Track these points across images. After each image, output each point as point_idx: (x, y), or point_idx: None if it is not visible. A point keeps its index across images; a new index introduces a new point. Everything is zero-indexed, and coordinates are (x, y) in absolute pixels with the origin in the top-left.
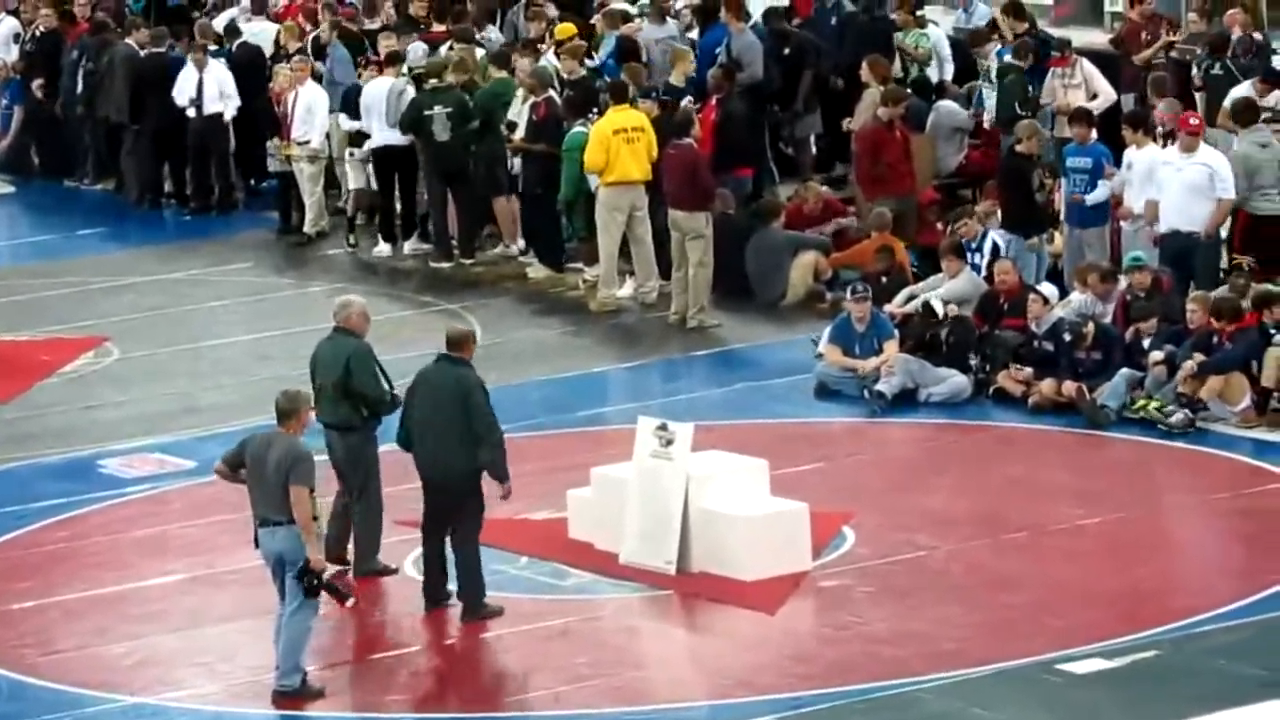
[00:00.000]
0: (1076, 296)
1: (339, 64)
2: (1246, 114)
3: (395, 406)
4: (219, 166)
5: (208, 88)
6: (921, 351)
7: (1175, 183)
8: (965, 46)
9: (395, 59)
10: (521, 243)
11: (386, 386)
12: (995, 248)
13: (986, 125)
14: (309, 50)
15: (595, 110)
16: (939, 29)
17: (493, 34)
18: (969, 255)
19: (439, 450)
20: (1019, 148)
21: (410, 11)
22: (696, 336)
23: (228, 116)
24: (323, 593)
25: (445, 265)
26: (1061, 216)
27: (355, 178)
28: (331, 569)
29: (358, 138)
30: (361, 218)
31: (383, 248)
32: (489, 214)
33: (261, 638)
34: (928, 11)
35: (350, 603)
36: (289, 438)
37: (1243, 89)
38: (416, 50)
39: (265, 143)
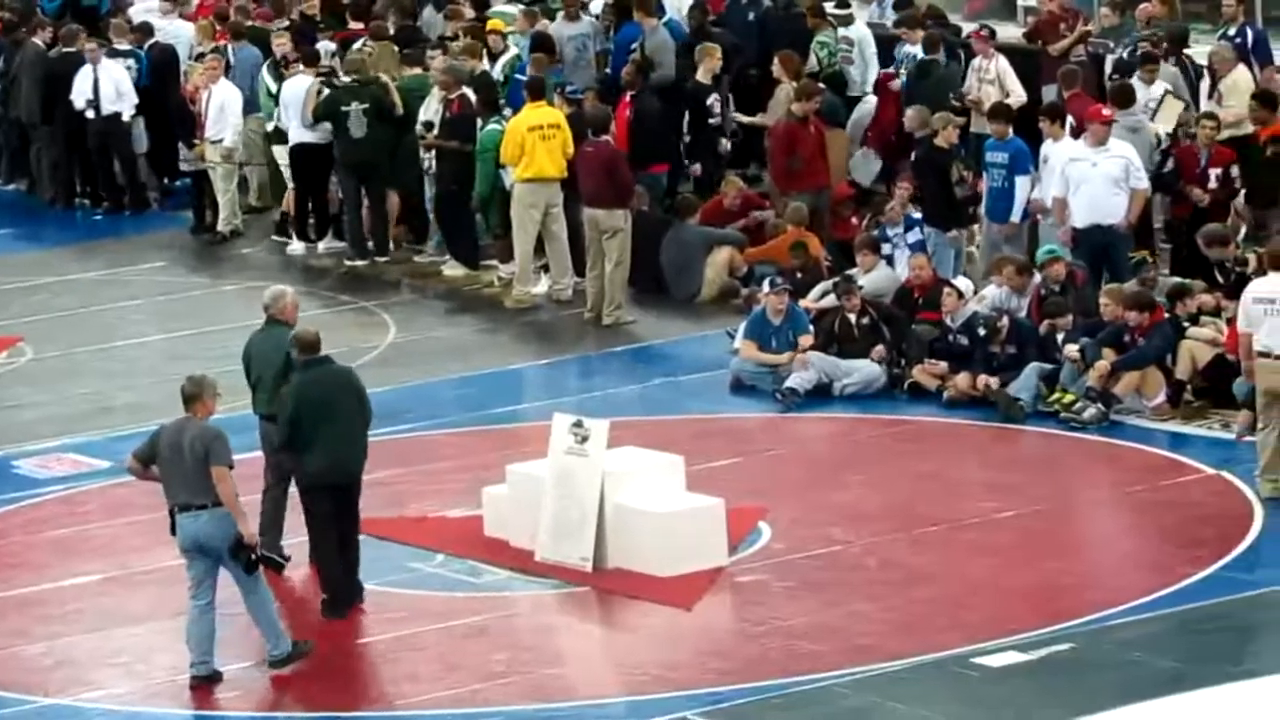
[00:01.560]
0: (991, 290)
1: (240, 65)
2: (1122, 97)
3: None
4: (124, 166)
5: (104, 87)
6: (836, 345)
7: (1093, 177)
8: (886, 42)
9: (314, 58)
10: (433, 243)
11: None
12: (917, 240)
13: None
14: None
15: (508, 109)
16: (863, 28)
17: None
18: (892, 247)
19: (341, 452)
20: (936, 140)
21: (305, 10)
22: (612, 333)
23: (125, 116)
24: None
25: (360, 264)
26: (982, 210)
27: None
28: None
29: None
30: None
31: (297, 246)
32: (401, 212)
33: (180, 637)
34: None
35: (285, 571)
36: (199, 422)
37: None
38: (326, 49)
39: (179, 142)
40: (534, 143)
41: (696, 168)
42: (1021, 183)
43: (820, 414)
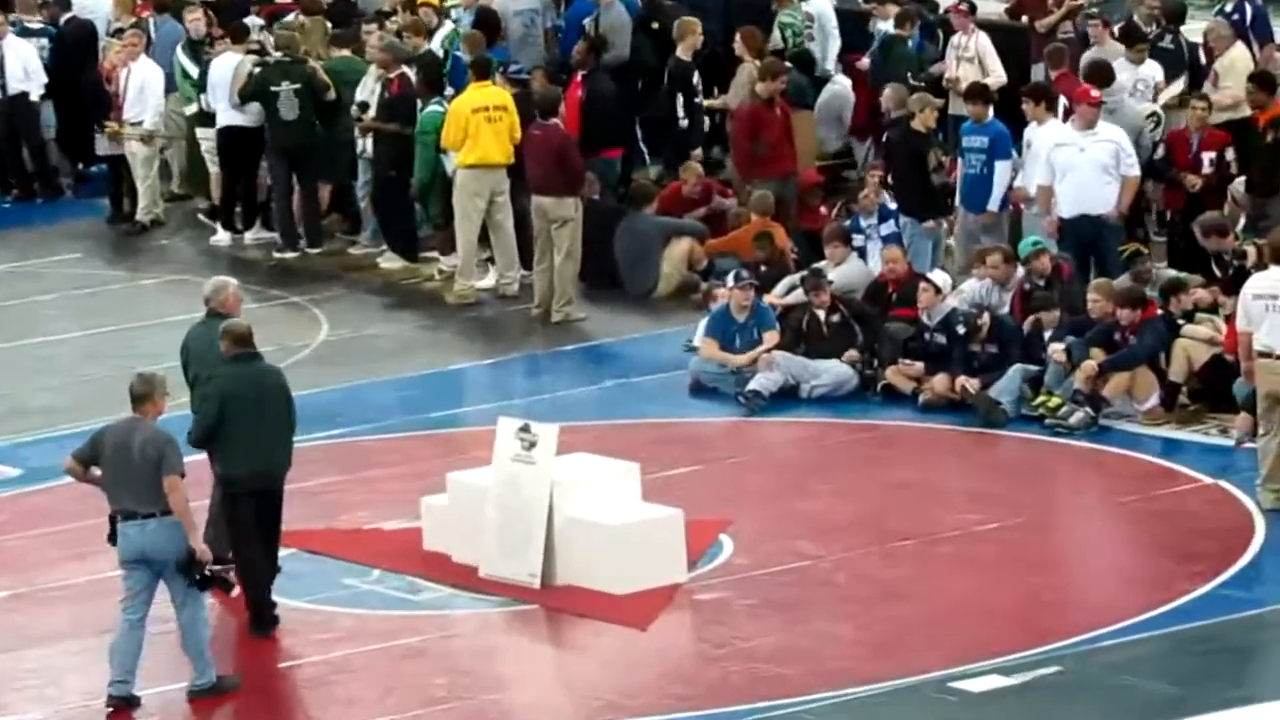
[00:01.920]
0: (971, 285)
1: (163, 41)
2: (1099, 75)
3: None
4: (33, 150)
5: (10, 66)
6: (803, 345)
7: (1081, 163)
8: (854, 18)
9: (241, 33)
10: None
11: None
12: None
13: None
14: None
15: (451, 89)
16: (823, 3)
17: None
18: (865, 240)
19: (263, 455)
20: (913, 123)
21: None
22: (562, 331)
23: (34, 95)
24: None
25: (291, 255)
26: (957, 199)
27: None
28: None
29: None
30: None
31: (223, 236)
32: (331, 200)
33: (96, 659)
34: None
35: (235, 592)
36: (150, 424)
37: (1094, 53)
38: (255, 24)
39: (94, 124)
40: (479, 125)
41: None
42: (1001, 169)
43: (786, 418)
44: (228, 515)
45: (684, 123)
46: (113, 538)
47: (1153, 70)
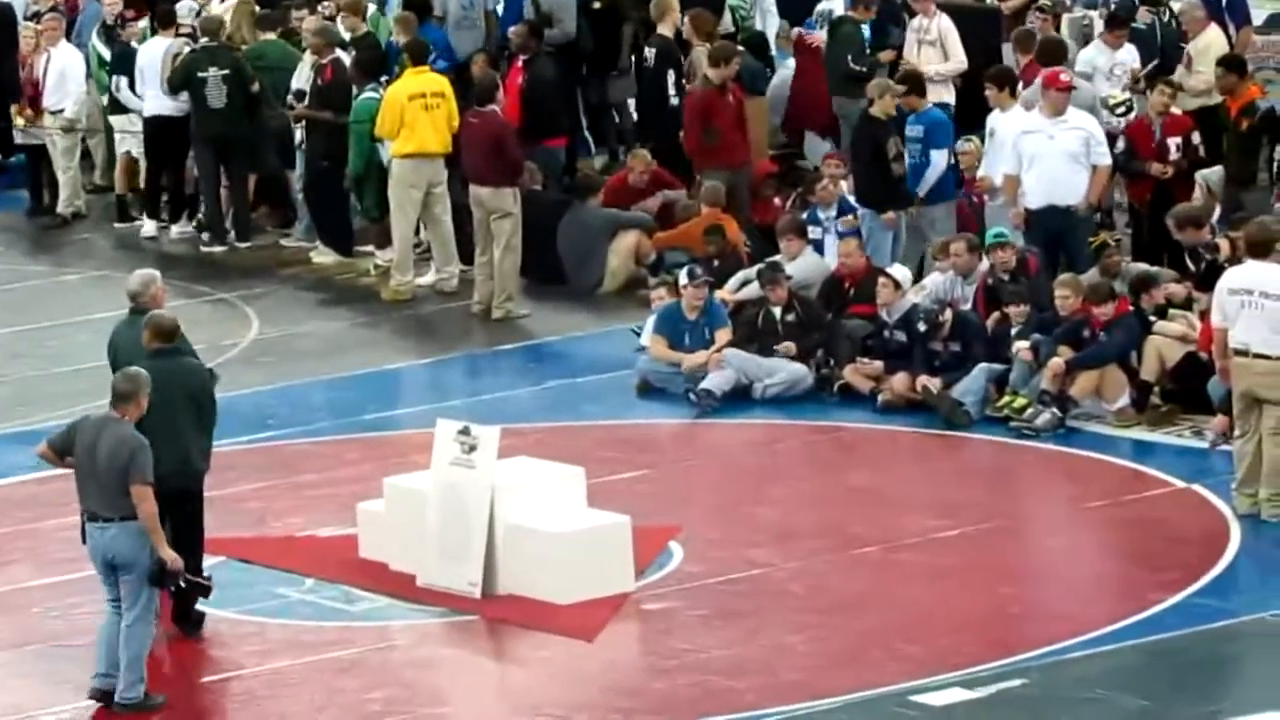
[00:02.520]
0: (934, 279)
1: (85, 25)
2: (1050, 53)
3: (215, 381)
4: None
5: None
6: (756, 343)
7: (1049, 152)
8: None
9: (169, 17)
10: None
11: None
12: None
13: None
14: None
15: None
16: None
17: None
18: (823, 232)
19: (183, 453)
20: (872, 110)
21: None
22: (503, 328)
23: None
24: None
25: (219, 250)
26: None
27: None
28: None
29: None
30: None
31: (149, 228)
32: (262, 192)
33: (17, 673)
34: None
35: (211, 595)
36: (122, 425)
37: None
38: (183, 7)
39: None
40: (415, 113)
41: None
42: (937, 158)
43: (739, 419)
44: None
45: (675, 100)
46: (84, 536)
47: (1130, 55)
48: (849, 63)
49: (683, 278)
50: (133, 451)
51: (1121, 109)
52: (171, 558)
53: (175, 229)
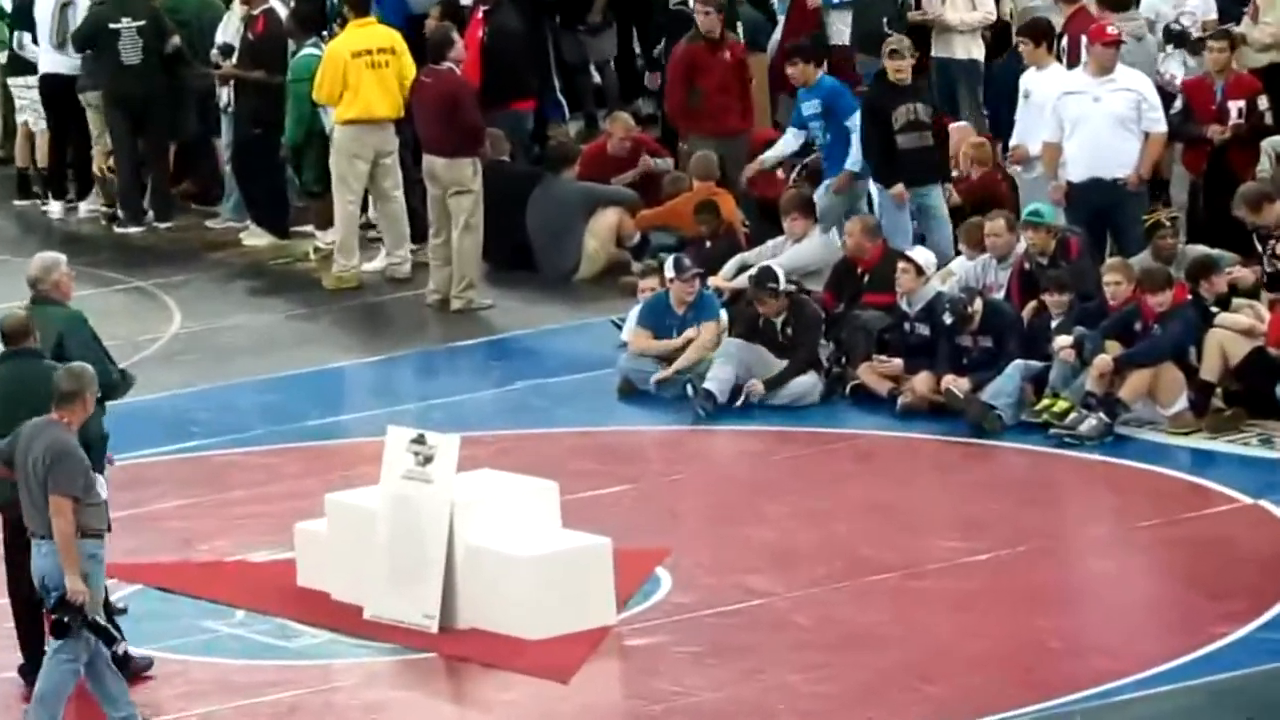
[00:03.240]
0: (962, 264)
1: None
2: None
3: (128, 387)
4: None
5: None
6: (755, 342)
7: (1094, 116)
8: None
9: None
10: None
11: (111, 363)
12: (869, 201)
13: None
14: None
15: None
16: None
17: None
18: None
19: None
20: (892, 76)
21: None
22: (463, 321)
23: None
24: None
25: (134, 230)
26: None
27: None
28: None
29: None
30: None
31: (54, 207)
32: (184, 164)
33: None
34: None
35: (122, 647)
36: (56, 429)
37: None
38: None
39: None
40: (359, 73)
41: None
42: (853, 126)
43: (736, 426)
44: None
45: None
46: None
47: (1201, 2)
48: (884, 25)
49: (669, 270)
50: (56, 456)
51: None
52: (77, 589)
53: (83, 206)
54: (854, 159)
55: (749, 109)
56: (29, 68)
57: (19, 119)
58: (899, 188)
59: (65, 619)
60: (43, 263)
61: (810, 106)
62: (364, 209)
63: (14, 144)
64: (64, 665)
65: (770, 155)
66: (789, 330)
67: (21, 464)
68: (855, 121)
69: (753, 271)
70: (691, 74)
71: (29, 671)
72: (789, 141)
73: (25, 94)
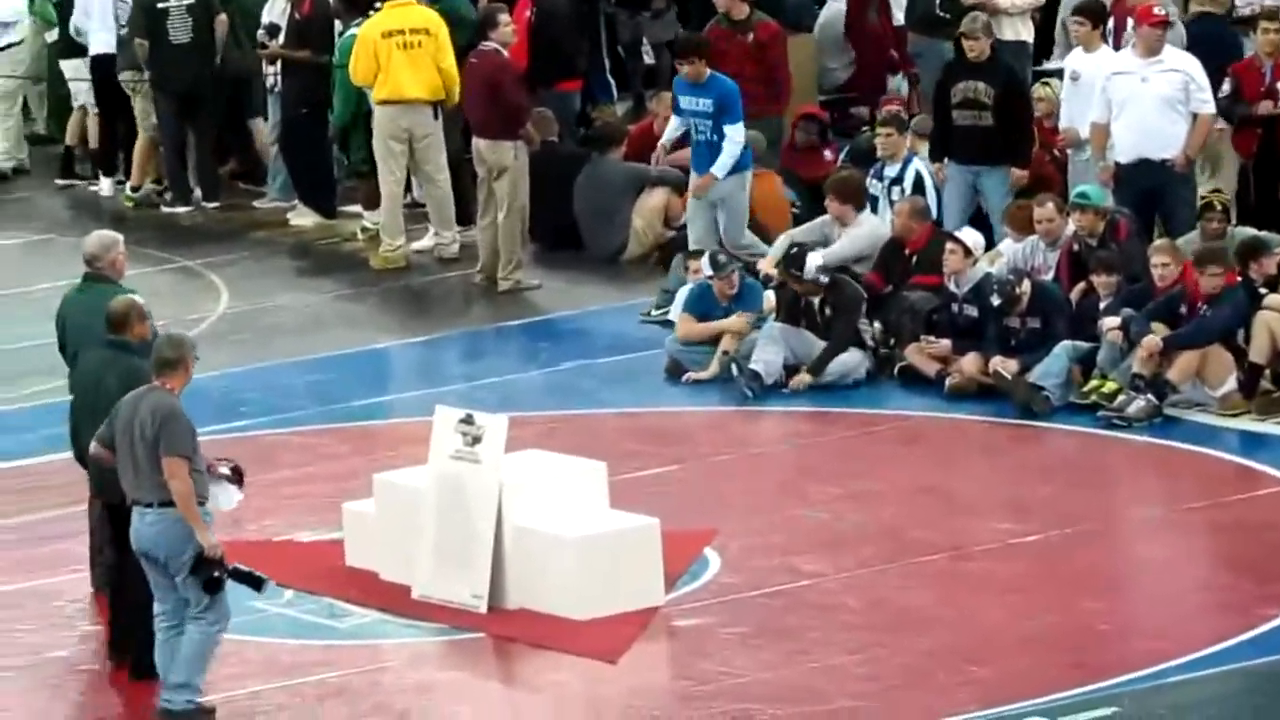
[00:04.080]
0: (1009, 246)
1: None
2: None
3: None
4: None
5: None
6: (801, 324)
7: (1142, 96)
8: None
9: None
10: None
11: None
12: (919, 180)
13: None
14: None
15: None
16: None
17: None
18: (882, 189)
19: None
20: (969, 56)
21: None
22: (510, 301)
23: None
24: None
25: (181, 210)
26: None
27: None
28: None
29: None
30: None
31: (103, 185)
32: (234, 145)
33: None
34: None
35: (267, 588)
36: (161, 394)
37: None
38: None
39: None
40: (390, 53)
41: None
42: (734, 134)
43: (783, 407)
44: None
45: None
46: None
47: None
48: (936, 6)
49: (705, 268)
50: (164, 419)
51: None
52: (210, 544)
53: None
54: (722, 164)
55: (779, 91)
56: (81, 50)
57: (74, 101)
58: (939, 164)
59: (216, 575)
60: (101, 241)
61: (695, 103)
62: (407, 189)
63: (62, 122)
64: (209, 627)
65: (664, 139)
66: (828, 310)
67: (125, 435)
68: (739, 130)
69: (787, 250)
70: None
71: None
72: (675, 125)
73: (82, 74)
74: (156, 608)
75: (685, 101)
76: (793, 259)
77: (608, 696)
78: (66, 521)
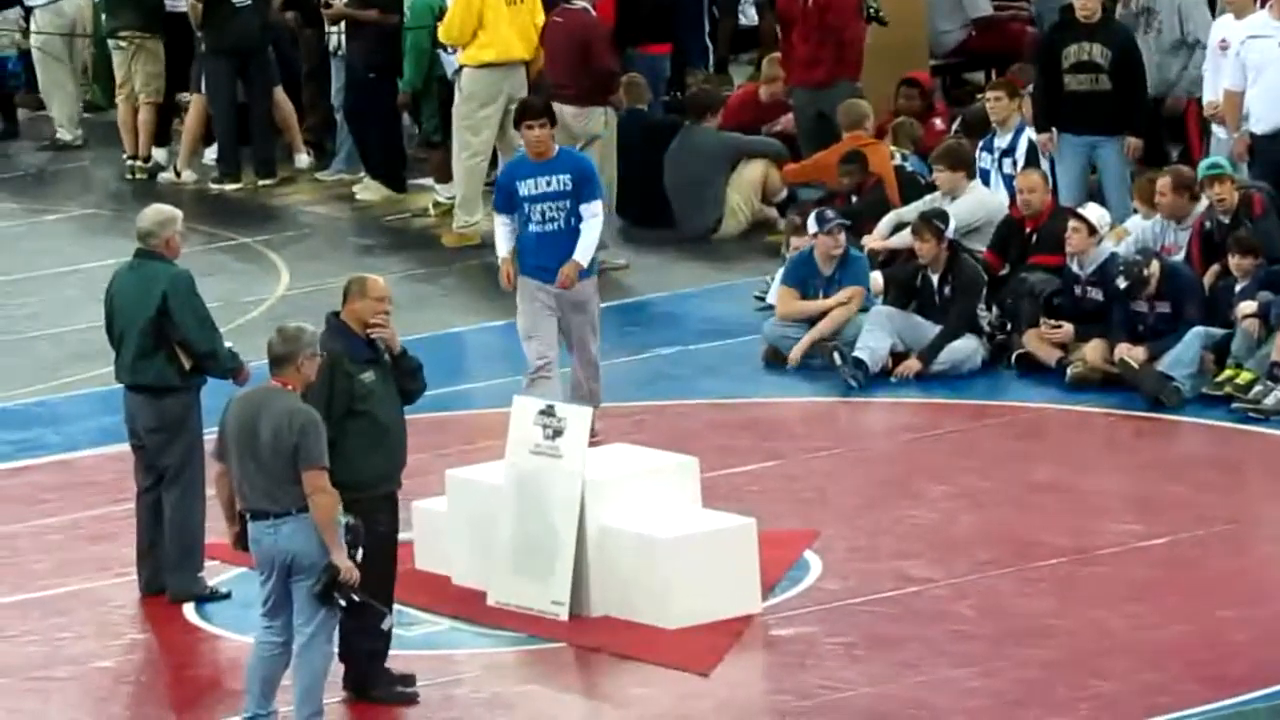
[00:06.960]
0: (1137, 224)
1: None
2: None
3: (234, 362)
4: None
5: None
6: (915, 307)
7: (1278, 61)
8: None
9: None
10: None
11: (214, 330)
12: (1031, 151)
13: None
14: None
15: None
16: None
17: None
18: (992, 162)
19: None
20: (1079, 13)
21: None
22: None
23: None
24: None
25: (235, 186)
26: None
27: None
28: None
29: None
30: None
31: (158, 154)
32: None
33: None
34: None
35: (388, 623)
36: (287, 397)
37: None
38: None
39: None
40: (498, 9)
41: None
42: (592, 211)
43: (890, 398)
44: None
45: None
46: (243, 540)
47: None
48: None
49: (811, 225)
50: (302, 427)
51: None
52: (347, 566)
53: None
54: (583, 249)
55: (845, 59)
56: None
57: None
58: (1046, 135)
59: (349, 597)
60: (157, 215)
61: (544, 183)
62: (493, 164)
63: (110, 90)
64: (326, 645)
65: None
66: (946, 290)
67: (244, 437)
68: (597, 209)
69: (925, 210)
70: (784, 24)
71: None
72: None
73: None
74: (264, 622)
75: (526, 186)
76: (932, 212)
77: (699, 712)
78: (115, 520)
